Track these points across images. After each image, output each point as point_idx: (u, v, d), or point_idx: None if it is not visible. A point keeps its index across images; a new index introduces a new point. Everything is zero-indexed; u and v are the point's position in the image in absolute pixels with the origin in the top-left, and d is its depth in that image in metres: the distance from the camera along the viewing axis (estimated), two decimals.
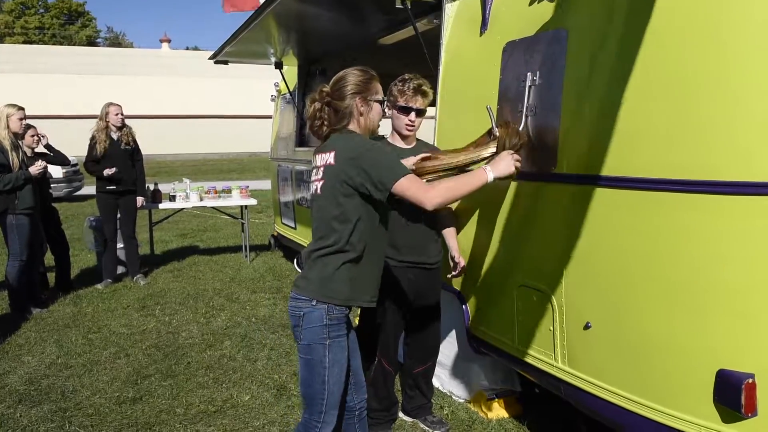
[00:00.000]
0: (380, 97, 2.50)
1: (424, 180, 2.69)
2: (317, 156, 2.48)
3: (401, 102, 3.17)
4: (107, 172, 6.30)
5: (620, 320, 2.51)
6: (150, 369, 4.30)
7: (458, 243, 3.39)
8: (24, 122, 5.58)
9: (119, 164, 6.38)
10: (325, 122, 2.47)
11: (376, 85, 2.49)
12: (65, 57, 36.48)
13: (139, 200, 6.73)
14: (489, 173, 2.51)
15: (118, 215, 6.58)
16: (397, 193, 2.29)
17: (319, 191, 2.43)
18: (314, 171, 2.48)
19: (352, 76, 2.45)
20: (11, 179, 5.32)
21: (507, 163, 2.61)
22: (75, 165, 14.79)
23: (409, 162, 2.88)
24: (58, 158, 6.45)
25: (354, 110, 2.44)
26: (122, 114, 6.44)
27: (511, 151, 2.71)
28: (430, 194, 2.30)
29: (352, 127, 2.47)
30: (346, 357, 2.43)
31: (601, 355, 2.61)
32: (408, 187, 2.28)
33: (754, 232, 2.08)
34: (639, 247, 2.39)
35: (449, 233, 3.40)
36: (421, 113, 3.22)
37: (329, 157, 2.39)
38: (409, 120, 3.20)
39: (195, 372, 4.24)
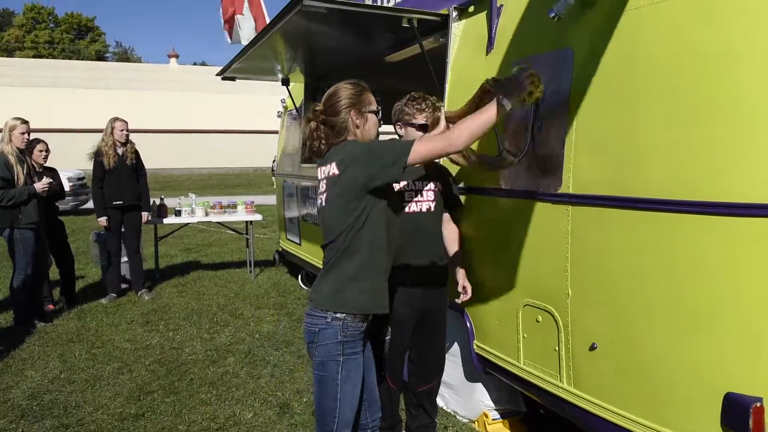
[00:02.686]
0: (374, 107, 2.49)
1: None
2: (319, 170, 2.48)
3: (421, 120, 3.19)
4: (101, 221, 6.42)
5: (627, 341, 2.48)
6: (153, 385, 4.28)
7: (464, 262, 3.37)
8: (26, 136, 5.50)
9: (124, 179, 6.43)
10: (323, 141, 2.46)
11: (368, 96, 2.48)
12: (74, 71, 36.89)
13: (144, 215, 6.75)
14: (505, 102, 2.27)
15: (123, 230, 6.61)
16: (419, 158, 2.24)
17: (324, 203, 2.42)
18: (319, 185, 2.48)
19: (344, 90, 2.46)
20: (14, 194, 5.32)
21: (518, 83, 2.43)
22: (82, 178, 14.88)
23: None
24: (57, 187, 6.19)
25: (350, 124, 2.43)
26: (127, 130, 6.49)
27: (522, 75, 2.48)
28: (451, 138, 2.23)
29: (350, 139, 2.46)
30: (361, 375, 2.40)
31: (608, 376, 2.59)
32: (425, 146, 2.24)
33: (764, 254, 2.06)
34: (647, 267, 2.38)
35: (456, 257, 3.38)
36: None
37: (331, 168, 2.38)
38: None
39: (198, 388, 4.22)
